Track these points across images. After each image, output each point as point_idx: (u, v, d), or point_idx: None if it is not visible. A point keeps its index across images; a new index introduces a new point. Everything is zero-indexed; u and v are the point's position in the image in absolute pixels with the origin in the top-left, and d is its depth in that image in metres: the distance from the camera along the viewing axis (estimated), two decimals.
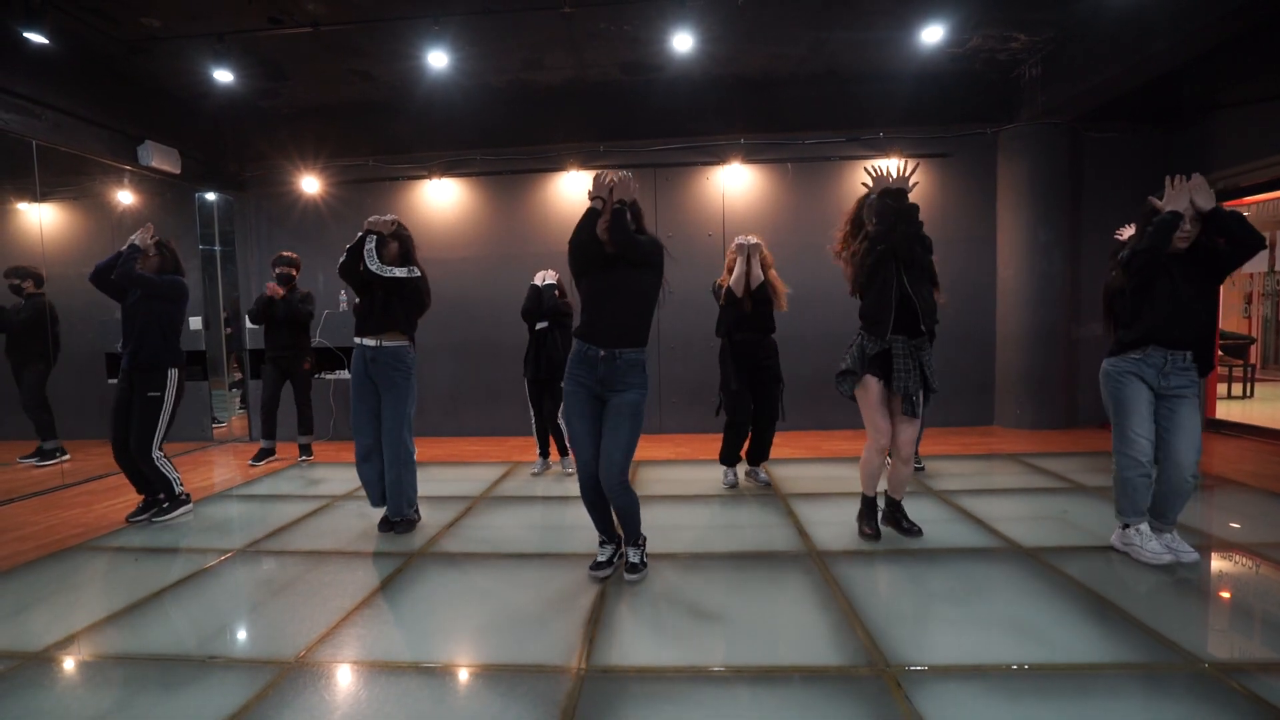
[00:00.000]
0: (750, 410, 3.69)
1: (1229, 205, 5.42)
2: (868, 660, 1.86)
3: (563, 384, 2.47)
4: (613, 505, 2.46)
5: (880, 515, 2.95)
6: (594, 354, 2.37)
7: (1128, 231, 3.63)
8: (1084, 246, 5.49)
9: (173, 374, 3.44)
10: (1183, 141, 5.36)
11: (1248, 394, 7.11)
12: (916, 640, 1.97)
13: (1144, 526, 2.56)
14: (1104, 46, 4.51)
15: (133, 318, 3.38)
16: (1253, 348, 7.74)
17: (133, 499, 3.81)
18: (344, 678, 1.86)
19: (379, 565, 2.72)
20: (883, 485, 3.03)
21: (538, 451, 4.35)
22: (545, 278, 4.17)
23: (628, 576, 2.49)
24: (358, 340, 3.06)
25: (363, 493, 3.88)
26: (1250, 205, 5.56)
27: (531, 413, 4.29)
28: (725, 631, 2.07)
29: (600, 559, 2.57)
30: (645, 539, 2.60)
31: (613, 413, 2.36)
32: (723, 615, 2.19)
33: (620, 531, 2.58)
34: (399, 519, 3.16)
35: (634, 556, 2.54)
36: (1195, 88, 5.16)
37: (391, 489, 3.09)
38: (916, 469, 4.09)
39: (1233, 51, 4.74)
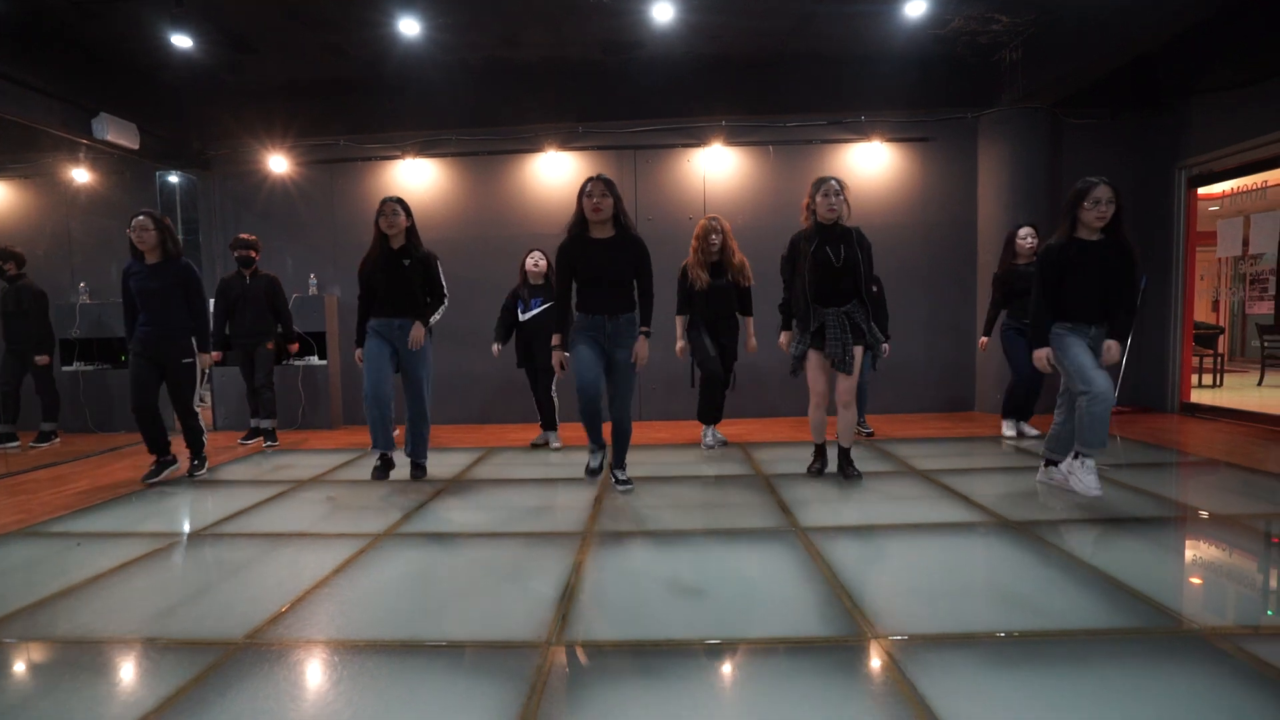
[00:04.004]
0: (722, 383, 4.05)
1: (1203, 192, 5.49)
2: (856, 631, 1.77)
3: (571, 338, 3.03)
4: (617, 428, 3.15)
5: (838, 465, 3.38)
6: (599, 320, 2.98)
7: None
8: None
9: (192, 341, 3.72)
10: (1158, 127, 5.40)
11: (1217, 383, 7.22)
12: (906, 611, 1.88)
13: (1090, 461, 2.89)
14: (1084, 28, 4.51)
15: (167, 297, 3.59)
16: (1221, 338, 7.87)
17: (74, 487, 3.66)
18: (295, 658, 1.71)
19: (341, 546, 2.57)
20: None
21: (541, 425, 4.46)
22: (537, 261, 4.29)
23: (621, 489, 3.18)
24: (375, 320, 3.37)
25: (328, 478, 3.78)
26: (1220, 199, 5.62)
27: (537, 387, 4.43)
28: (706, 605, 1.97)
29: (593, 464, 3.20)
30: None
31: (621, 367, 3.03)
32: (704, 589, 2.08)
33: (608, 446, 3.28)
34: (421, 461, 3.61)
35: (623, 475, 3.23)
36: (1171, 74, 5.20)
37: (418, 439, 3.56)
38: (867, 434, 4.56)
39: (1207, 37, 4.79)
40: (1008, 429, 4.42)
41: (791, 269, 3.24)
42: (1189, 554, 2.38)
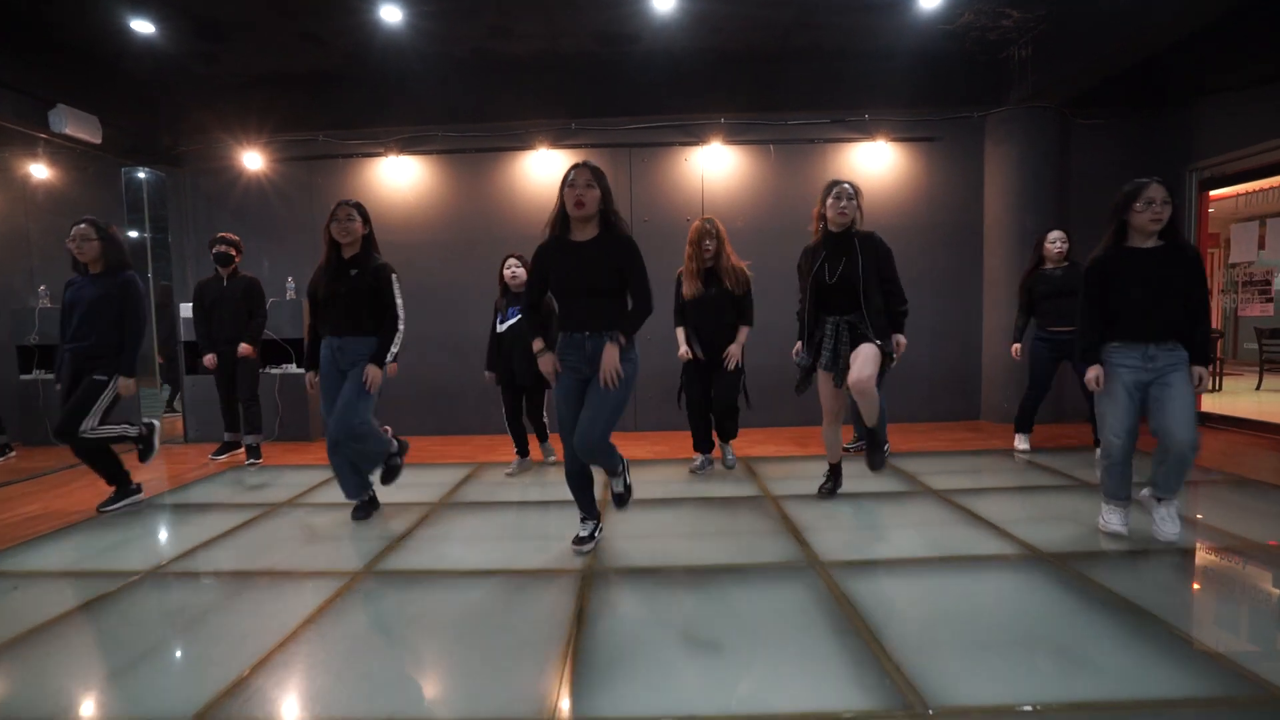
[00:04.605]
0: (705, 394, 3.71)
1: (1215, 195, 5.36)
2: (903, 703, 1.55)
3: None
4: (585, 453, 2.40)
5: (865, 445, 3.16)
6: (579, 338, 2.41)
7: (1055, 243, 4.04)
8: (1071, 235, 5.33)
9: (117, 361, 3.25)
10: (1168, 128, 5.25)
11: (1216, 388, 7.13)
12: (954, 671, 1.67)
13: (1164, 505, 2.63)
14: (1097, 25, 4.33)
15: (100, 310, 3.19)
16: (1219, 342, 7.79)
17: (23, 511, 3.39)
18: None
19: (313, 589, 2.31)
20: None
21: (516, 450, 4.01)
22: (515, 273, 3.80)
23: (619, 509, 2.67)
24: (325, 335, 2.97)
25: (305, 500, 3.51)
26: (1230, 198, 5.50)
27: (505, 410, 3.96)
28: (726, 665, 1.75)
29: (582, 534, 2.63)
30: (625, 464, 2.59)
31: (597, 388, 2.35)
32: (722, 645, 1.86)
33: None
34: (382, 469, 3.09)
35: (618, 486, 2.61)
36: (1182, 73, 5.04)
37: (358, 457, 2.96)
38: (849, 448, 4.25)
39: (1220, 35, 4.63)
40: (1020, 443, 4.24)
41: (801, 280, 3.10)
42: (1244, 594, 2.20)
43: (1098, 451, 3.99)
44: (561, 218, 2.41)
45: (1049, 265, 4.05)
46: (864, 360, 2.84)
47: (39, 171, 5.48)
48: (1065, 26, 4.59)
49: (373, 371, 2.85)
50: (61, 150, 5.24)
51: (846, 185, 2.88)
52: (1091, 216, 5.27)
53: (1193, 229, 5.17)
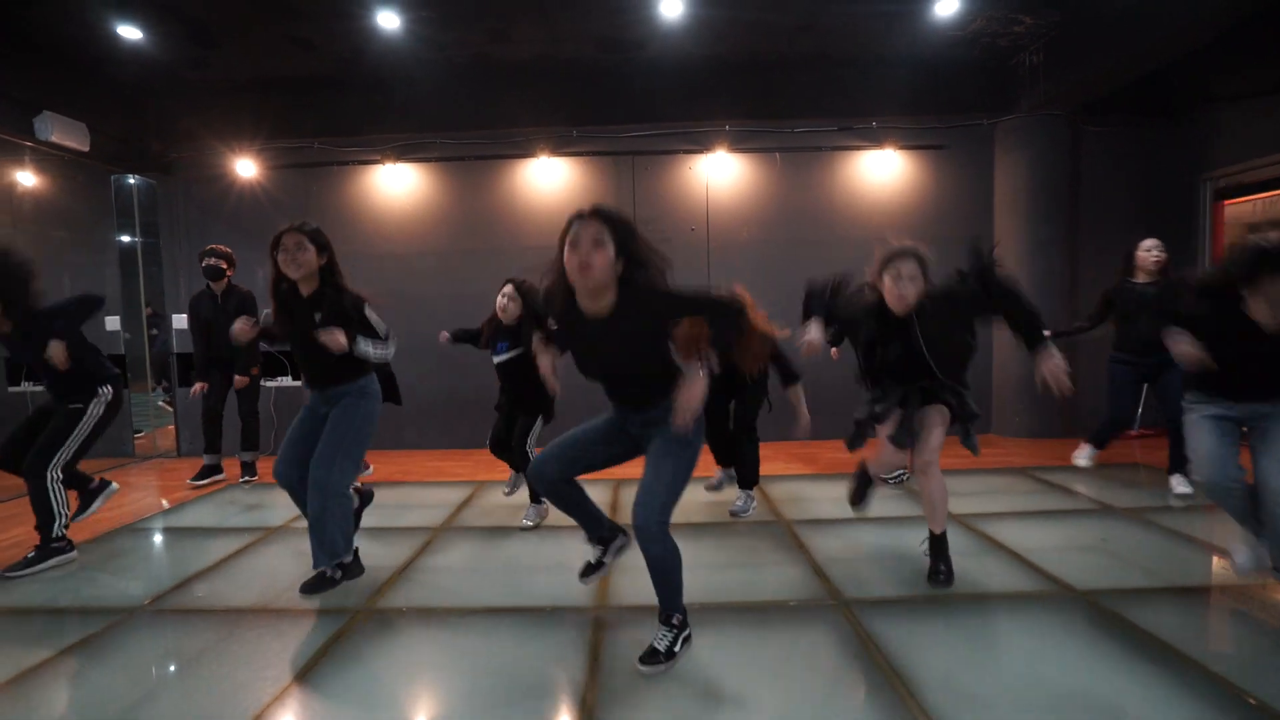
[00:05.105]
0: (726, 409, 3.33)
1: (1229, 204, 5.28)
2: None
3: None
4: (645, 558, 1.85)
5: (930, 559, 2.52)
6: (626, 412, 1.95)
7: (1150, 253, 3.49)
8: (1083, 244, 5.26)
9: (104, 389, 2.89)
10: (1182, 136, 5.17)
11: None
12: None
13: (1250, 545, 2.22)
14: (1108, 31, 4.24)
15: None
16: None
17: (8, 536, 3.23)
18: None
19: (311, 630, 2.19)
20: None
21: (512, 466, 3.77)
22: (504, 305, 3.18)
23: (642, 669, 1.84)
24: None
25: (302, 523, 3.36)
26: (1244, 203, 5.43)
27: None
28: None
29: (590, 560, 2.17)
30: (685, 620, 1.94)
31: (656, 453, 1.86)
32: (746, 699, 1.75)
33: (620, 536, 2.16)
34: (316, 571, 2.31)
35: (660, 639, 1.87)
36: (1196, 80, 4.96)
37: (324, 530, 2.29)
38: (886, 479, 3.78)
39: (1236, 40, 4.55)
40: (1081, 458, 3.73)
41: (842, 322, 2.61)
42: None
43: (1172, 480, 3.56)
44: (560, 284, 1.81)
45: (1141, 277, 3.50)
46: (930, 428, 2.39)
47: (26, 179, 5.33)
48: (1078, 33, 4.50)
49: (335, 335, 2.29)
50: (48, 158, 5.08)
51: (910, 261, 2.26)
52: (1103, 226, 5.21)
53: (1207, 239, 5.09)
